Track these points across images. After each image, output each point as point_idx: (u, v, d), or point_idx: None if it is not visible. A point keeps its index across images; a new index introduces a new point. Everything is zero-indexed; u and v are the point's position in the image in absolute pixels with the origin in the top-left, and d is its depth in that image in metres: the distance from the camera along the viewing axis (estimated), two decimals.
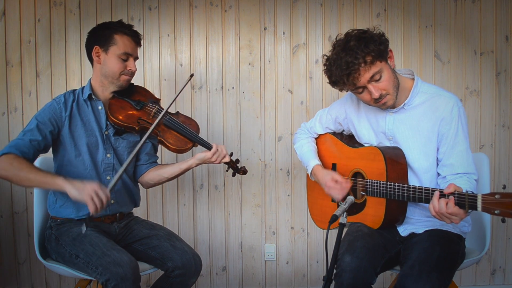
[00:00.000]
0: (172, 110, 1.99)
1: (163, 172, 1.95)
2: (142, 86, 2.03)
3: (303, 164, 1.98)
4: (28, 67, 2.54)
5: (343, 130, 1.96)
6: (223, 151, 1.86)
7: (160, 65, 2.60)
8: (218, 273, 2.68)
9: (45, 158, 1.98)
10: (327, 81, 1.66)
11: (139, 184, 2.05)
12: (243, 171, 1.99)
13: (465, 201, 1.34)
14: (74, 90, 1.88)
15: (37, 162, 1.94)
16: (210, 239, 2.66)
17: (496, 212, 1.25)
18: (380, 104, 1.63)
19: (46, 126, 1.75)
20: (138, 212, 2.08)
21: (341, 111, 1.89)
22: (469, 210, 1.34)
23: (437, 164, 1.67)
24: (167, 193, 2.64)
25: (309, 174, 1.91)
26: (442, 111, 1.63)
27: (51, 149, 1.85)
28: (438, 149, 1.65)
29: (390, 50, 1.63)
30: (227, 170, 1.98)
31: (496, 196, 1.25)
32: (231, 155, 1.92)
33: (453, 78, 2.61)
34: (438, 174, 1.67)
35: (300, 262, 2.69)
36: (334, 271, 1.48)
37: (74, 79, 2.56)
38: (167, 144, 1.88)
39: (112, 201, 1.87)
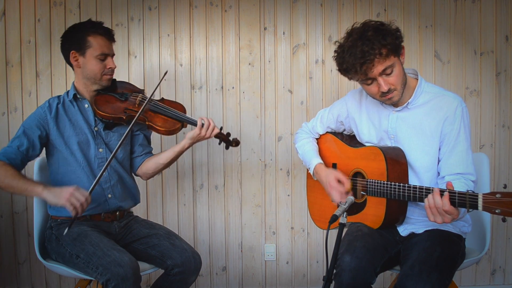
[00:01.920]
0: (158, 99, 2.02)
1: (159, 158, 1.97)
2: (126, 81, 2.06)
3: (305, 163, 1.97)
4: (28, 67, 2.54)
5: (344, 130, 1.96)
6: (210, 123, 1.87)
7: (160, 65, 2.60)
8: (218, 273, 2.68)
9: (43, 159, 1.97)
10: (337, 68, 1.64)
11: (137, 178, 2.06)
12: (236, 142, 2.00)
13: (466, 200, 1.34)
14: (59, 96, 1.92)
15: (36, 163, 1.96)
16: (210, 239, 2.66)
17: (497, 211, 1.25)
18: (386, 98, 1.62)
19: (33, 131, 1.79)
20: (138, 211, 2.08)
21: (343, 109, 1.89)
22: (470, 210, 1.34)
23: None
24: (167, 193, 2.64)
25: (311, 173, 1.91)
26: (446, 110, 1.63)
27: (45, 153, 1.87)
28: (440, 149, 1.65)
29: (403, 47, 1.62)
30: (219, 144, 2.00)
31: (497, 196, 1.26)
32: (221, 129, 1.93)
33: (453, 78, 2.61)
34: (438, 174, 1.67)
35: (300, 262, 2.69)
36: (334, 271, 1.48)
37: (73, 79, 2.55)
38: (156, 127, 1.89)
39: (110, 196, 1.88)
